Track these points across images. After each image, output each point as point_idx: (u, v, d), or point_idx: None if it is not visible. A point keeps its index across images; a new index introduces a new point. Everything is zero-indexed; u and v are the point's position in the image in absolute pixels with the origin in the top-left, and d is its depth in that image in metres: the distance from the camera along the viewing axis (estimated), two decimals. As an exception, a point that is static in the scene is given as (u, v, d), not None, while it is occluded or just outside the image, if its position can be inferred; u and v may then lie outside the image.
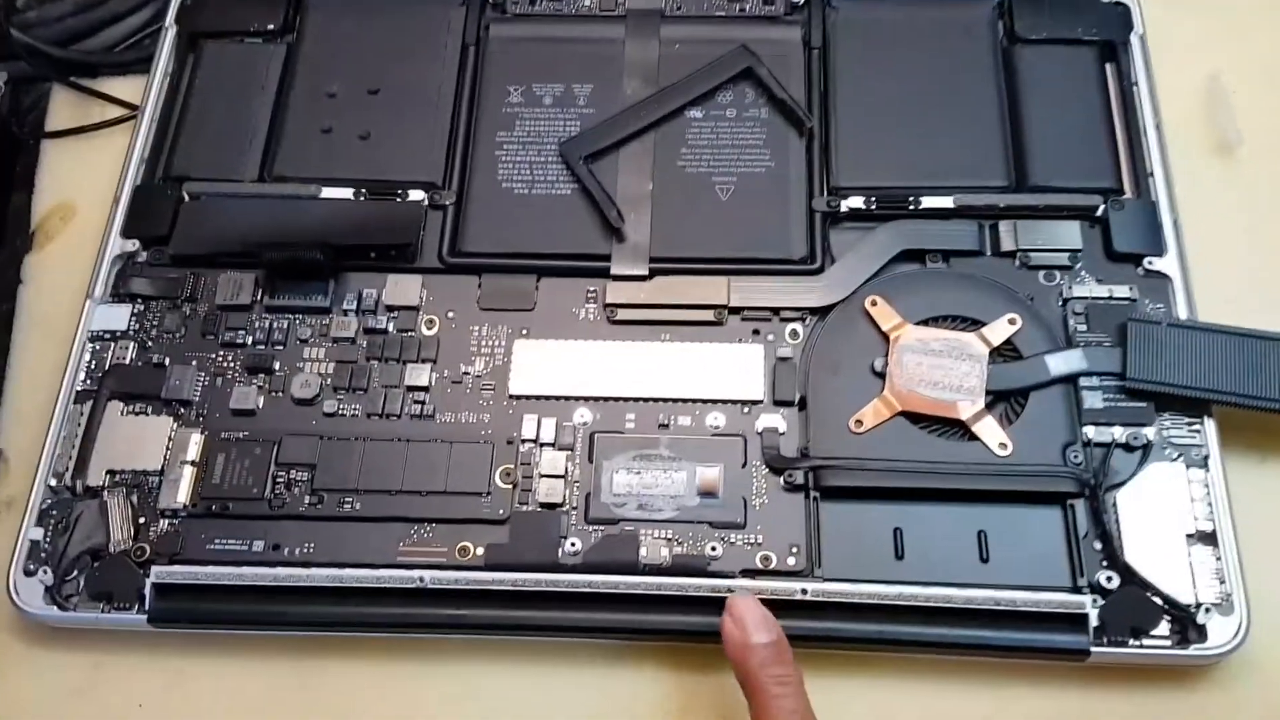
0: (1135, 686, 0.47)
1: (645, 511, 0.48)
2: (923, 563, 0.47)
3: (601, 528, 0.48)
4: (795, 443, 0.50)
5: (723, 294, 0.52)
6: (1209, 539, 0.47)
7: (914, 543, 0.47)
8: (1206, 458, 0.48)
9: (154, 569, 0.48)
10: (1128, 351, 0.49)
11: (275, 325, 0.53)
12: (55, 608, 0.48)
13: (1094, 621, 0.46)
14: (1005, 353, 0.51)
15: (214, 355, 0.53)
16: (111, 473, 0.50)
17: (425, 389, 0.51)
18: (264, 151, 0.57)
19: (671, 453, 0.50)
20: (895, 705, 0.47)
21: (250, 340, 0.53)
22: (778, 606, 0.45)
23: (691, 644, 0.47)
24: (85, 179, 0.61)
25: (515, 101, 0.58)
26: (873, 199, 0.54)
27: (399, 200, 0.55)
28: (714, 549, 0.48)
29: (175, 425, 0.51)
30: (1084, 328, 0.51)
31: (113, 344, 0.53)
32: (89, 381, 0.52)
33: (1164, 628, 0.46)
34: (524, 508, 0.49)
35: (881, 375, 0.50)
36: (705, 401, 0.51)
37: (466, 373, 0.52)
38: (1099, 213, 0.53)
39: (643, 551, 0.48)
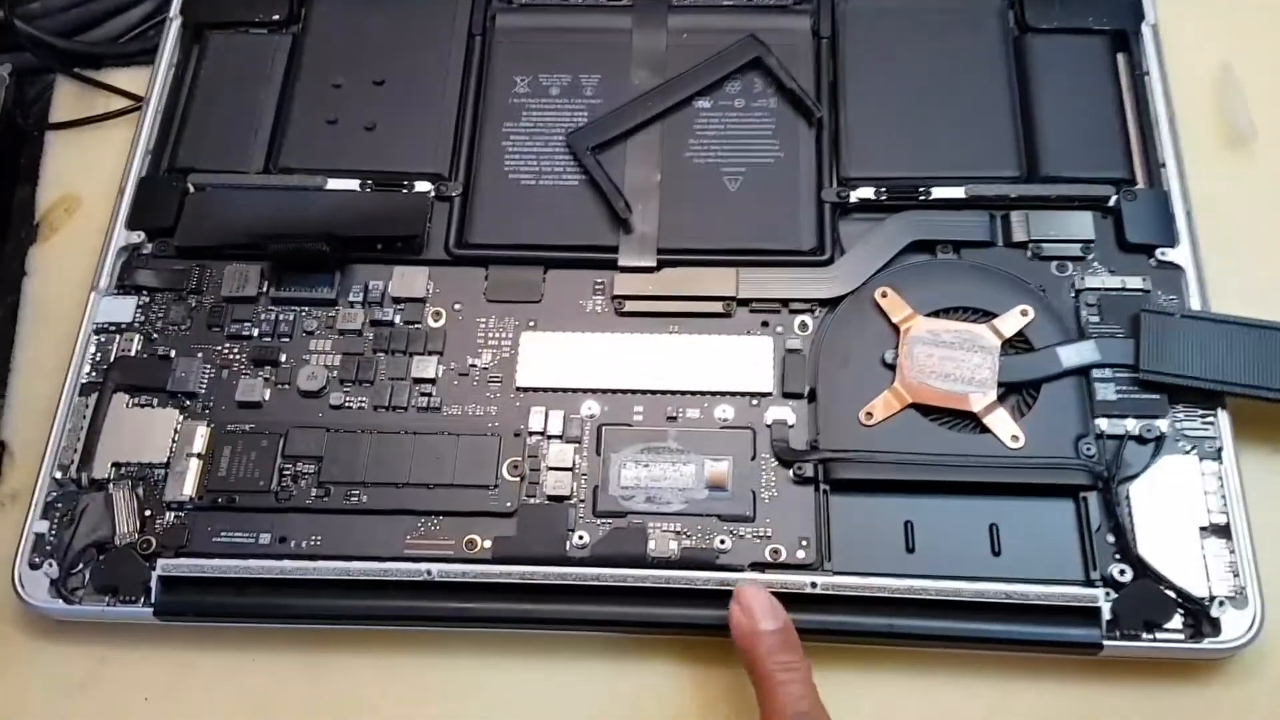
0: (1148, 680, 0.46)
1: (653, 504, 0.48)
2: (933, 556, 0.47)
3: (609, 521, 0.48)
4: (805, 435, 0.49)
5: (731, 285, 0.52)
6: (1223, 532, 0.47)
7: (925, 536, 0.47)
8: (1220, 450, 0.48)
9: (160, 562, 0.48)
10: (1141, 343, 0.49)
11: (281, 317, 0.53)
12: (61, 601, 0.48)
13: (1106, 615, 0.45)
14: (1017, 344, 0.50)
15: (220, 347, 0.52)
16: (117, 465, 0.50)
17: (432, 381, 0.51)
18: (269, 143, 0.57)
19: (680, 445, 0.49)
20: (906, 699, 0.47)
21: (256, 332, 0.53)
22: (787, 600, 0.45)
23: (700, 637, 0.47)
24: (90, 170, 0.61)
25: (522, 92, 0.58)
26: (883, 189, 0.54)
27: (405, 191, 0.55)
28: (723, 542, 0.47)
29: (181, 417, 0.51)
30: (1096, 319, 0.51)
31: (118, 336, 0.53)
32: (94, 374, 0.52)
33: (1177, 621, 0.45)
34: (531, 500, 0.49)
35: (892, 367, 0.50)
36: (714, 394, 0.50)
37: (473, 365, 0.52)
38: (1111, 203, 0.53)
39: (651, 544, 0.47)
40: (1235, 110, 0.58)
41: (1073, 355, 0.49)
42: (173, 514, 0.49)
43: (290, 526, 0.48)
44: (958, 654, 0.47)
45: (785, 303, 0.52)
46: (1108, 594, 0.45)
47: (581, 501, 0.49)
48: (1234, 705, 0.46)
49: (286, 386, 0.51)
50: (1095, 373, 0.49)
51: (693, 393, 0.50)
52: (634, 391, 0.51)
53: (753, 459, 0.49)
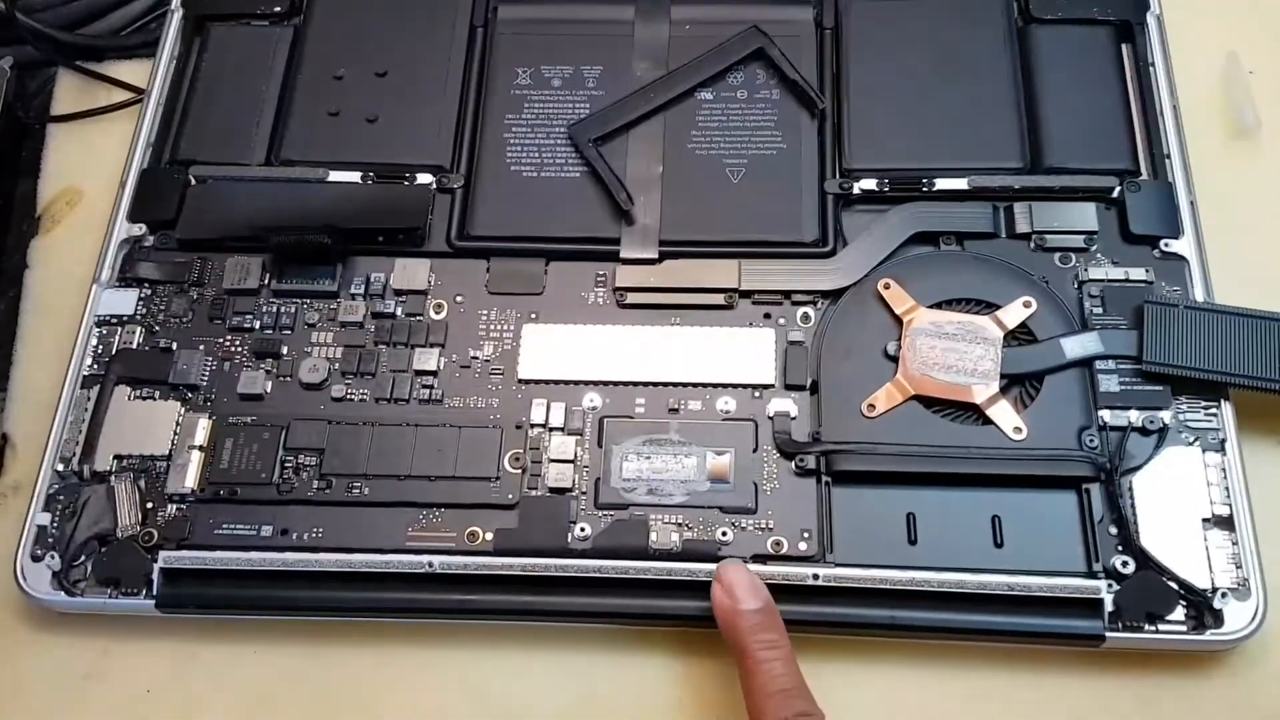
0: (1150, 672, 0.46)
1: (655, 496, 0.48)
2: (936, 548, 0.47)
3: (611, 513, 0.48)
4: (807, 427, 0.49)
5: (733, 277, 0.52)
6: (1225, 523, 0.46)
7: (927, 528, 0.47)
8: (1223, 441, 0.48)
9: (162, 554, 0.48)
10: (1144, 334, 0.49)
11: (283, 309, 0.53)
12: (63, 593, 0.48)
13: (1109, 607, 0.45)
14: (1020, 336, 0.50)
15: (221, 339, 0.52)
16: (119, 458, 0.50)
17: (434, 373, 0.51)
18: (271, 135, 0.57)
19: (682, 437, 0.49)
20: (907, 691, 0.47)
21: (258, 324, 0.53)
22: (789, 592, 0.45)
23: (701, 629, 0.47)
24: (91, 163, 0.61)
25: (524, 83, 0.57)
26: (885, 181, 0.54)
27: (407, 183, 0.55)
28: (724, 534, 0.47)
29: (183, 410, 0.51)
30: (1100, 310, 0.50)
31: (120, 328, 0.53)
32: (96, 366, 0.52)
33: (1180, 613, 0.45)
34: (533, 493, 0.49)
35: (894, 359, 0.50)
36: (716, 386, 0.50)
37: (475, 357, 0.51)
38: (1115, 194, 0.53)
39: (653, 537, 0.47)
40: (1240, 101, 0.58)
41: (1076, 347, 0.49)
42: (174, 506, 0.49)
43: (292, 519, 0.48)
44: (960, 646, 0.47)
45: (787, 294, 0.52)
46: (1110, 586, 0.45)
47: (583, 494, 0.49)
48: (1236, 697, 0.46)
49: (288, 379, 0.51)
50: (1098, 364, 0.49)
51: (694, 385, 0.50)
52: (636, 384, 0.51)
53: (755, 451, 0.49)
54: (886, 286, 0.51)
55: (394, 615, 0.48)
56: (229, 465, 0.49)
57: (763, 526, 0.47)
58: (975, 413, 0.49)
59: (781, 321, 0.52)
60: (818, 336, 0.51)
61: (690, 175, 0.54)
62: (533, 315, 0.52)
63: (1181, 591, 0.45)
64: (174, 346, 0.52)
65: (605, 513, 0.48)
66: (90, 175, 0.61)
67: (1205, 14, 0.60)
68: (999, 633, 0.46)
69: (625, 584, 0.47)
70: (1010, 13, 0.58)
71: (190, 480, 0.49)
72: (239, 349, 0.52)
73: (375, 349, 0.52)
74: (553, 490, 0.49)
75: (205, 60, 0.59)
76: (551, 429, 0.50)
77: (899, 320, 0.50)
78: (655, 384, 0.50)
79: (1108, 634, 0.45)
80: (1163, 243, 0.52)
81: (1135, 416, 0.48)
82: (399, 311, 0.53)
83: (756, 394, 0.50)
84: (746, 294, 0.52)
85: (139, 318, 0.53)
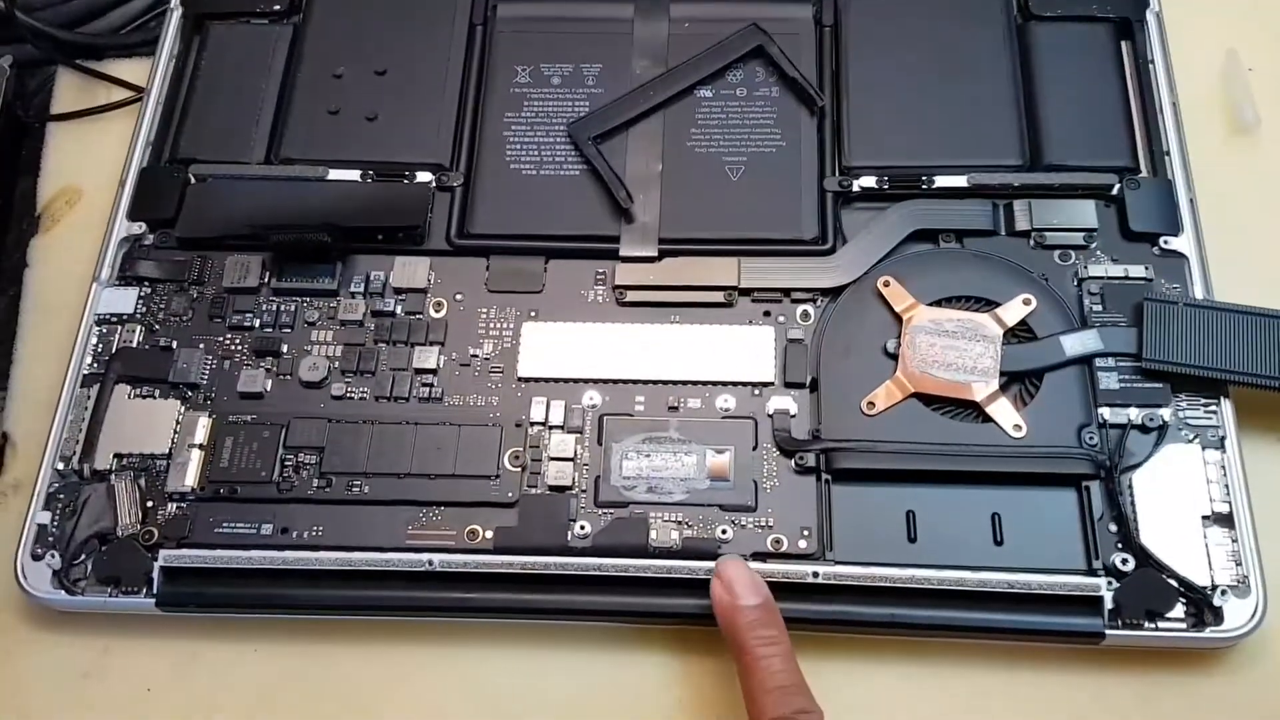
0: (1150, 669, 0.46)
1: (655, 494, 0.48)
2: (936, 545, 0.47)
3: (611, 511, 0.48)
4: (806, 425, 0.49)
5: (733, 275, 0.52)
6: (1225, 521, 0.46)
7: (927, 525, 0.47)
8: (1223, 439, 0.48)
9: (162, 552, 0.48)
10: (1143, 332, 0.49)
11: (282, 308, 0.53)
12: (63, 592, 0.48)
13: (1109, 604, 0.45)
14: (1020, 333, 0.50)
15: (221, 338, 0.52)
16: (119, 456, 0.50)
17: (433, 372, 0.51)
18: (270, 133, 0.57)
19: (681, 435, 0.49)
20: (907, 688, 0.47)
21: (258, 323, 0.53)
22: (789, 590, 0.45)
23: (701, 627, 0.47)
24: (91, 162, 0.61)
25: (523, 82, 0.57)
26: (885, 178, 0.54)
27: (406, 182, 0.55)
28: (724, 532, 0.47)
29: (183, 408, 0.51)
30: (1099, 308, 0.50)
31: (119, 327, 0.53)
32: (96, 365, 0.52)
33: (1179, 610, 0.45)
34: (533, 491, 0.49)
35: (894, 357, 0.50)
36: (715, 384, 0.50)
37: (475, 355, 0.51)
38: (1115, 192, 0.53)
39: (652, 534, 0.47)
40: (1239, 99, 0.58)
41: (1075, 344, 0.49)
42: (175, 505, 0.49)
43: (292, 517, 0.48)
44: (959, 644, 0.47)
45: (787, 292, 0.52)
46: (1110, 583, 0.45)
47: (583, 492, 0.49)
48: (1236, 694, 0.46)
49: (288, 377, 0.51)
50: (1098, 361, 0.49)
51: (694, 383, 0.50)
52: (635, 381, 0.51)
53: (754, 449, 0.49)
54: (886, 284, 0.51)
55: (394, 614, 0.48)
56: (229, 464, 0.49)
57: (762, 524, 0.48)
58: (975, 410, 0.49)
59: (781, 319, 0.52)
60: (817, 334, 0.51)
61: (690, 173, 0.54)
62: (532, 313, 0.52)
63: (1181, 589, 0.45)
64: (174, 345, 0.52)
65: (605, 511, 0.48)
66: (90, 174, 0.61)
67: (1205, 11, 0.60)
68: (999, 630, 0.46)
69: (625, 582, 0.47)
70: (1010, 10, 0.58)
71: (190, 479, 0.49)
72: (239, 347, 0.52)
73: (375, 347, 0.52)
74: (552, 488, 0.49)
75: (205, 59, 0.59)
76: (551, 427, 0.50)
77: (899, 318, 0.50)
78: (655, 382, 0.50)
79: (1107, 631, 0.45)
80: (1162, 240, 0.52)
81: (1135, 414, 0.48)
82: (399, 310, 0.53)
83: (756, 392, 0.50)
84: (746, 292, 0.52)
85: (139, 316, 0.53)
